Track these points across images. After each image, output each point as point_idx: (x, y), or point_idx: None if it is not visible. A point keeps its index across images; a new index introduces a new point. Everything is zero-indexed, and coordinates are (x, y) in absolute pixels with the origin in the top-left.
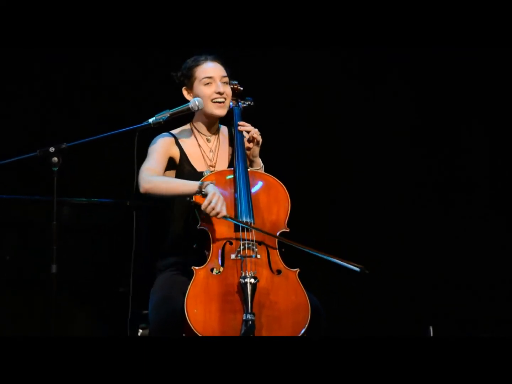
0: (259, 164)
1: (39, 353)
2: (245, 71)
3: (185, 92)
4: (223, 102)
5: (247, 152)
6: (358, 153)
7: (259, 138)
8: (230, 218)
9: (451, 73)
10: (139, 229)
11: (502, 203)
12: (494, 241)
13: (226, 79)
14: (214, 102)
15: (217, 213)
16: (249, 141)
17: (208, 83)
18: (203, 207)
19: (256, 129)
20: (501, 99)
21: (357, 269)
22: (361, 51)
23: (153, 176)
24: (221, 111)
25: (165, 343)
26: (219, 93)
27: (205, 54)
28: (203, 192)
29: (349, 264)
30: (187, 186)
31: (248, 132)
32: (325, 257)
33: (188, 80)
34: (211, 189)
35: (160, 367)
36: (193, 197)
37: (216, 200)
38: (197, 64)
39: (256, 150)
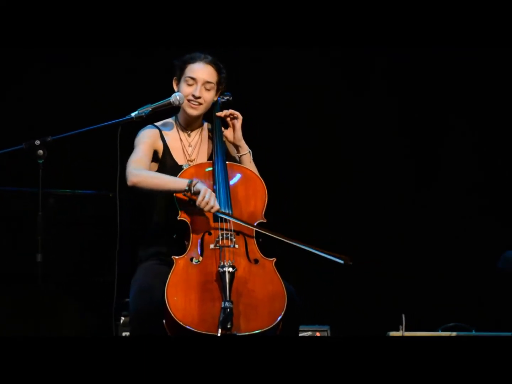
0: (245, 148)
1: (26, 348)
2: (245, 71)
3: (174, 83)
4: (196, 104)
5: (232, 138)
6: (356, 153)
7: (239, 115)
8: (223, 213)
9: (450, 73)
10: (122, 220)
11: (489, 199)
12: (479, 238)
13: (211, 85)
14: (189, 102)
15: (211, 207)
16: (231, 119)
17: (190, 84)
18: (197, 203)
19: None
20: (490, 97)
21: (341, 261)
22: (361, 51)
23: (141, 170)
24: (192, 111)
25: (149, 341)
26: (193, 96)
27: (205, 55)
28: (192, 190)
29: (332, 256)
30: (177, 183)
31: (227, 116)
32: (309, 249)
33: (179, 73)
34: (201, 186)
35: (144, 365)
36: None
37: (209, 196)
38: (191, 61)
39: (239, 133)
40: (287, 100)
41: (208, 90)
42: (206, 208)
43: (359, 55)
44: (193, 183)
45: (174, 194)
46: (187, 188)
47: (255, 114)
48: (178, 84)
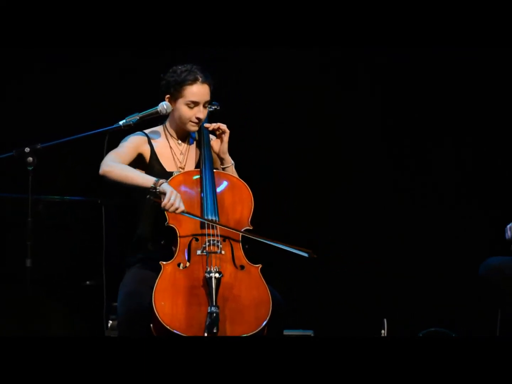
0: (229, 161)
1: (17, 350)
2: (244, 71)
3: (166, 100)
4: (199, 123)
5: (218, 150)
6: (355, 152)
7: (226, 129)
8: (189, 213)
9: (448, 73)
10: (109, 225)
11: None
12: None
13: (208, 102)
14: (192, 122)
15: (176, 209)
16: (218, 136)
17: (192, 107)
18: (163, 205)
19: (223, 124)
20: (486, 97)
21: (305, 254)
22: (361, 51)
23: (115, 162)
24: (195, 129)
25: (136, 343)
26: (198, 118)
27: (198, 71)
28: (157, 190)
29: (297, 249)
30: (143, 179)
31: (215, 130)
32: (275, 244)
33: (175, 93)
34: (166, 187)
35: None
36: (150, 197)
37: (174, 197)
38: (187, 82)
39: (225, 146)
40: (286, 100)
41: (206, 107)
42: (171, 209)
43: (357, 55)
44: (159, 182)
45: (153, 199)
46: (152, 185)
47: (254, 115)
48: (173, 102)
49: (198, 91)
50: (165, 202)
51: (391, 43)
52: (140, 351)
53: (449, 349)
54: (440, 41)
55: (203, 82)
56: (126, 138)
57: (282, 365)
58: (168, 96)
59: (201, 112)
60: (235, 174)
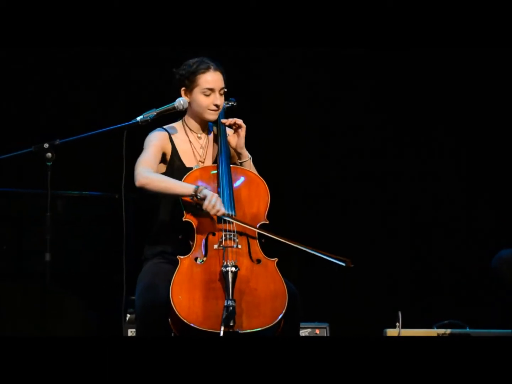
0: (246, 156)
1: (34, 348)
2: (245, 71)
3: (182, 93)
4: (217, 111)
5: (235, 145)
6: (354, 152)
7: (242, 124)
8: (228, 216)
9: (442, 72)
10: (128, 220)
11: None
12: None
13: (223, 90)
14: (210, 110)
15: (217, 211)
16: (234, 130)
17: (208, 94)
18: (204, 207)
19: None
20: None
21: (342, 263)
22: (359, 52)
23: (150, 172)
24: (214, 117)
25: (155, 342)
26: (216, 105)
27: (209, 60)
28: (198, 196)
29: (335, 258)
30: (184, 188)
31: (232, 125)
32: (311, 251)
33: (190, 84)
34: (207, 191)
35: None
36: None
37: (215, 200)
38: (201, 71)
39: (242, 141)
40: (286, 100)
41: (222, 95)
42: (212, 212)
43: (354, 56)
44: (199, 189)
45: (196, 201)
46: (193, 193)
47: (253, 115)
48: (188, 94)
49: (212, 78)
50: (206, 204)
51: (389, 44)
52: (151, 349)
53: (463, 346)
54: (432, 41)
55: (215, 69)
56: (149, 137)
57: (291, 364)
58: (183, 88)
59: (218, 99)
60: (253, 169)
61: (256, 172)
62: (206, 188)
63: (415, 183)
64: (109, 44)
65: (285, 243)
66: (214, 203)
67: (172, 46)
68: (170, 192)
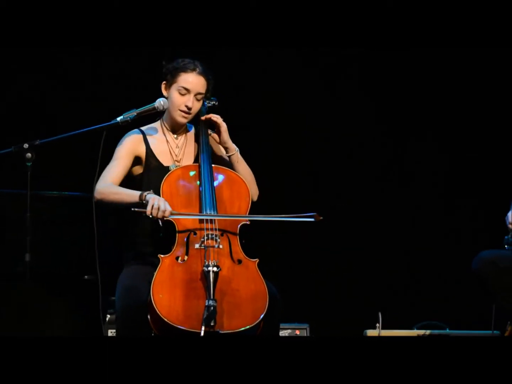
0: (233, 149)
1: (12, 348)
2: (245, 71)
3: (163, 87)
4: (188, 114)
5: (219, 141)
6: (344, 152)
7: (218, 120)
8: (179, 213)
9: (429, 72)
10: (104, 220)
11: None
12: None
13: (201, 96)
14: (180, 110)
15: (163, 212)
16: (215, 128)
17: (183, 94)
18: (147, 213)
19: (216, 115)
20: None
21: (311, 219)
22: (356, 51)
23: (106, 187)
24: (182, 120)
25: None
26: (187, 107)
27: (197, 63)
28: (144, 202)
29: (301, 217)
30: (131, 196)
31: (207, 119)
32: (278, 218)
33: (170, 79)
34: (150, 196)
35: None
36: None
37: (157, 202)
38: (184, 69)
39: (224, 136)
40: (286, 100)
41: (198, 100)
42: (159, 215)
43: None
44: (144, 194)
45: (136, 210)
46: (139, 200)
47: (253, 116)
48: (167, 89)
49: (192, 79)
50: (148, 210)
51: (385, 45)
52: (133, 349)
53: (442, 348)
54: (436, 41)
55: (199, 73)
56: (120, 142)
57: (271, 364)
58: (164, 82)
59: (190, 101)
60: (242, 161)
61: (245, 166)
62: (149, 193)
63: (394, 185)
64: (91, 44)
65: (254, 220)
66: (157, 205)
67: (164, 45)
68: (122, 203)
